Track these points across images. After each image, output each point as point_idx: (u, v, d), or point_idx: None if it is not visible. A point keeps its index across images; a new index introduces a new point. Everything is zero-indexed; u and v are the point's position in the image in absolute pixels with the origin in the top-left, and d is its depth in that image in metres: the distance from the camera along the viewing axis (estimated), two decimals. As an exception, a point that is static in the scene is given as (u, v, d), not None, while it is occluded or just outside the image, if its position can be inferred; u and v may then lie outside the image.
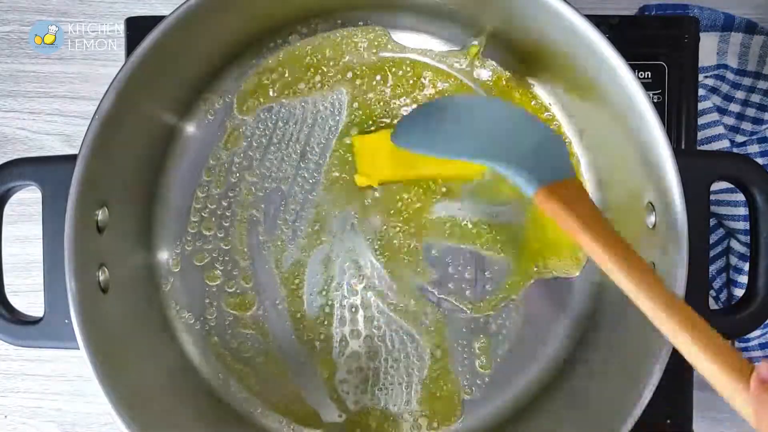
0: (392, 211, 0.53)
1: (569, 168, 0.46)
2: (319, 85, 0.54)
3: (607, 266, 0.39)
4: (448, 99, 0.52)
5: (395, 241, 0.53)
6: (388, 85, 0.53)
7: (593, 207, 0.43)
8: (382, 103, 0.53)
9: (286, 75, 0.53)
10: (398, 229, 0.53)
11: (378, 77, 0.54)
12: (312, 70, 0.54)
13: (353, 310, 0.53)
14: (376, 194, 0.53)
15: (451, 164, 0.51)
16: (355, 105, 0.53)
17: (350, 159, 0.53)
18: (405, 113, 0.53)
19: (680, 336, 0.35)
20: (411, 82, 0.53)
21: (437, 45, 0.54)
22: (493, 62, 0.54)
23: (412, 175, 0.53)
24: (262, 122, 0.53)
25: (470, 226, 0.53)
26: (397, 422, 0.52)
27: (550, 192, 0.43)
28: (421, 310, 0.53)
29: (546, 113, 0.53)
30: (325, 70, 0.54)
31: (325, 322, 0.53)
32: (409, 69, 0.54)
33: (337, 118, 0.53)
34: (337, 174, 0.53)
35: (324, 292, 0.53)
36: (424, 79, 0.54)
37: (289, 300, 0.53)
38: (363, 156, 0.52)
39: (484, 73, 0.54)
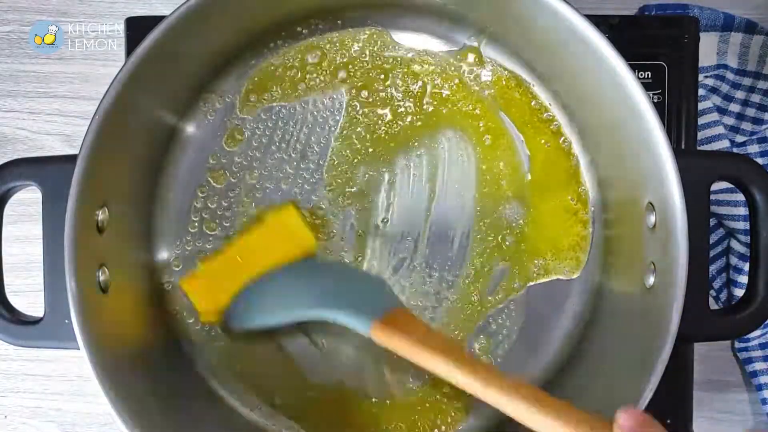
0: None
1: (396, 300, 0.48)
2: (320, 85, 0.53)
3: (452, 373, 0.41)
4: (265, 276, 0.51)
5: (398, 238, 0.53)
6: (388, 84, 0.53)
7: (426, 326, 0.46)
8: (381, 103, 0.53)
9: (287, 75, 0.53)
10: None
11: (379, 77, 0.53)
12: (312, 70, 0.54)
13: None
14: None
15: (278, 249, 0.50)
16: (356, 104, 0.53)
17: (352, 159, 0.53)
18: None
19: (529, 411, 0.37)
20: (410, 81, 0.53)
21: (437, 45, 0.54)
22: (493, 62, 0.54)
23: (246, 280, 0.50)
24: (262, 122, 0.53)
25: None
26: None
27: (384, 323, 0.44)
28: (421, 313, 0.53)
29: (546, 113, 0.53)
30: (326, 70, 0.54)
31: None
32: (408, 69, 0.54)
33: (337, 118, 0.53)
34: (337, 174, 0.53)
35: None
36: (424, 78, 0.53)
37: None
38: (196, 295, 0.51)
39: (484, 74, 0.54)
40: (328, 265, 0.52)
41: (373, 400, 0.52)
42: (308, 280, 0.49)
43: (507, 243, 0.53)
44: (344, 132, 0.53)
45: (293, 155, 0.53)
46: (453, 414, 0.52)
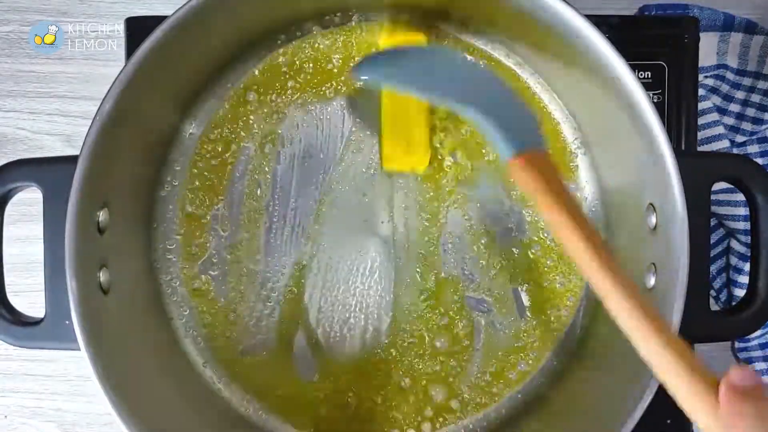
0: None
1: (544, 142, 0.45)
2: (324, 84, 0.53)
3: (574, 245, 0.39)
4: (429, 48, 0.51)
5: (406, 243, 0.53)
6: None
7: (563, 185, 0.42)
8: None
9: (290, 74, 0.53)
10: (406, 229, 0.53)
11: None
12: (314, 69, 0.53)
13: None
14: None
15: None
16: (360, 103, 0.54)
17: (355, 158, 0.53)
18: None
19: (641, 327, 0.35)
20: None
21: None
22: (493, 62, 0.54)
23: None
24: (264, 122, 0.53)
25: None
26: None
27: (528, 160, 0.42)
28: (423, 315, 0.53)
29: (545, 112, 0.54)
30: (329, 70, 0.54)
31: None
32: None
33: (343, 117, 0.53)
34: (343, 174, 0.53)
35: (327, 295, 0.53)
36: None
37: (292, 300, 0.53)
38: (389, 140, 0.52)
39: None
40: (490, 75, 0.49)
41: (377, 399, 0.52)
42: (467, 79, 0.46)
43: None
44: (348, 133, 0.53)
45: (297, 154, 0.53)
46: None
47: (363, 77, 0.47)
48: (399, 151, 0.52)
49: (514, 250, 0.53)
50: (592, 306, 0.53)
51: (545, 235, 0.53)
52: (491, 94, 0.45)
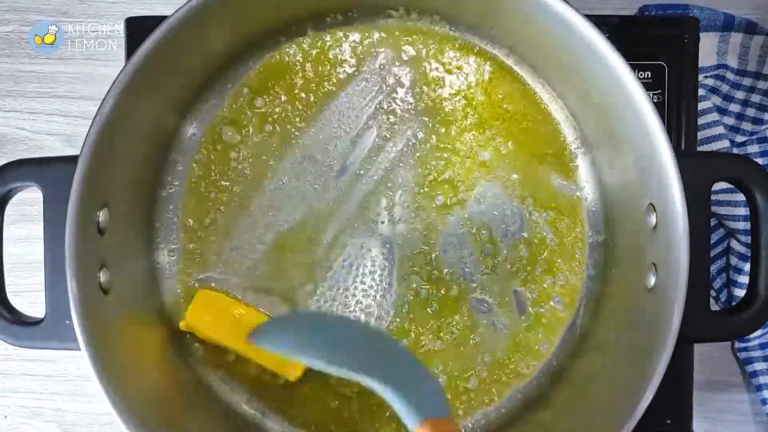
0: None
1: (447, 408, 0.45)
2: (324, 85, 0.53)
3: None
4: (327, 316, 0.52)
5: (406, 243, 0.53)
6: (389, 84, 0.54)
7: None
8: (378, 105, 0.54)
9: (290, 74, 0.53)
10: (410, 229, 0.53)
11: (381, 76, 0.54)
12: (315, 69, 0.53)
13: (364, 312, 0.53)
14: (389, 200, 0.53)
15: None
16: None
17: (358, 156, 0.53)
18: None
19: None
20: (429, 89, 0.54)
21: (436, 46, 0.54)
22: (492, 62, 0.54)
23: (231, 345, 0.51)
24: (265, 122, 0.53)
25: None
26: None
27: (432, 428, 0.42)
28: (423, 315, 0.53)
29: (545, 112, 0.54)
30: (330, 70, 0.54)
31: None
32: (426, 78, 0.54)
33: (343, 118, 0.53)
34: (343, 174, 0.53)
35: (328, 295, 0.53)
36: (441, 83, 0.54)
37: (292, 300, 0.53)
38: (198, 306, 0.51)
39: (484, 74, 0.54)
40: (389, 341, 0.50)
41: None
42: (363, 341, 0.47)
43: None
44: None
45: (297, 154, 0.53)
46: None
47: (260, 345, 0.46)
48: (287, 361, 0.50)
49: (514, 249, 0.53)
50: (592, 306, 0.53)
51: (545, 234, 0.53)
52: (392, 362, 0.46)
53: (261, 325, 0.48)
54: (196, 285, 0.53)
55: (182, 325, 0.51)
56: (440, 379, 0.52)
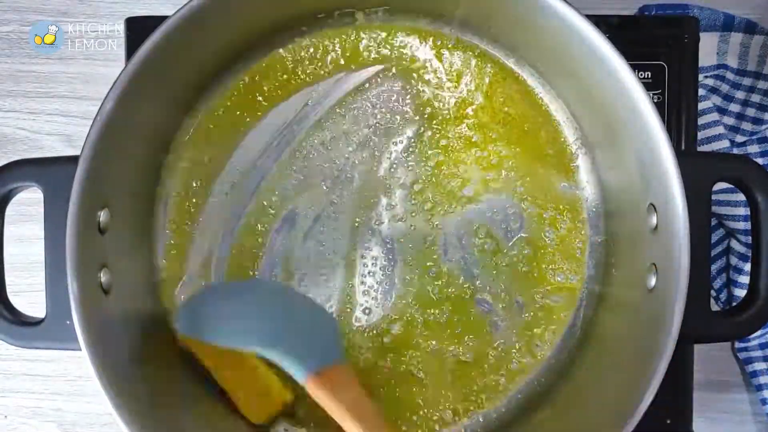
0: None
1: (339, 352, 0.47)
2: (324, 86, 0.53)
3: None
4: (215, 285, 0.52)
5: (407, 243, 0.53)
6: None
7: (359, 391, 0.45)
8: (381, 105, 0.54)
9: (291, 74, 0.53)
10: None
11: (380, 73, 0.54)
12: (315, 70, 0.53)
13: (365, 311, 0.53)
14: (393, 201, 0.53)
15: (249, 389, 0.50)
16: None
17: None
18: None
19: None
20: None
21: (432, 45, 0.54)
22: (492, 63, 0.54)
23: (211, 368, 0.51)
24: (265, 122, 0.53)
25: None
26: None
27: (320, 379, 0.43)
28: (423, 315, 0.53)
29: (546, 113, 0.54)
30: (328, 69, 0.54)
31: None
32: (420, 75, 0.54)
33: (343, 118, 0.54)
34: (343, 174, 0.53)
35: (332, 301, 0.53)
36: (425, 84, 0.54)
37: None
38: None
39: (484, 75, 0.54)
40: (278, 290, 0.51)
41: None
42: (254, 307, 0.48)
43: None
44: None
45: (297, 154, 0.53)
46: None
47: (182, 333, 0.47)
48: (256, 402, 0.51)
49: (514, 249, 0.53)
50: (593, 306, 0.53)
51: (546, 234, 0.53)
52: (282, 315, 0.47)
53: (177, 313, 0.49)
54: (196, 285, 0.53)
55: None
56: (440, 379, 0.52)
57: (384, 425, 0.43)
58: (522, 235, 0.53)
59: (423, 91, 0.53)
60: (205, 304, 0.48)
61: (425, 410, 0.52)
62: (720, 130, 0.59)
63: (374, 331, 0.53)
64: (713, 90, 0.60)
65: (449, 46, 0.54)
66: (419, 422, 0.52)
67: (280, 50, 0.53)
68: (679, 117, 0.56)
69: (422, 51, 0.54)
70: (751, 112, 0.60)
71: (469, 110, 0.53)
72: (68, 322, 0.42)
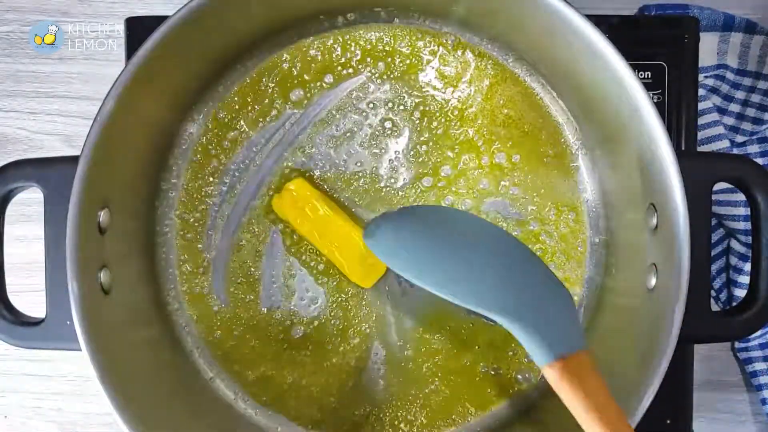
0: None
1: (582, 334, 0.41)
2: (323, 86, 0.53)
3: None
4: (446, 210, 0.46)
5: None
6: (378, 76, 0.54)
7: (603, 384, 0.39)
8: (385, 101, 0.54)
9: (290, 75, 0.53)
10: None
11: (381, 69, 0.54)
12: (315, 71, 0.53)
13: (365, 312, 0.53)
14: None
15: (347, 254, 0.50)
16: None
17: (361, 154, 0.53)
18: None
19: None
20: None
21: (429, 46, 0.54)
22: (492, 63, 0.54)
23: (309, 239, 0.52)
24: (265, 123, 0.53)
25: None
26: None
27: (567, 367, 0.38)
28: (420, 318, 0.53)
29: (546, 114, 0.54)
30: (328, 68, 0.54)
31: (339, 329, 0.53)
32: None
33: (343, 119, 0.53)
34: (343, 175, 0.53)
35: (332, 302, 0.53)
36: (428, 86, 0.54)
37: (291, 300, 0.53)
38: (287, 194, 0.51)
39: (484, 76, 0.54)
40: (516, 246, 0.44)
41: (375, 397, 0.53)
42: (492, 260, 0.41)
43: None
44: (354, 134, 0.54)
45: (298, 154, 0.53)
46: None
47: (370, 248, 0.44)
48: (360, 268, 0.51)
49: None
50: (593, 306, 0.53)
51: (545, 234, 0.53)
52: (522, 282, 0.41)
53: (372, 221, 0.46)
54: (197, 285, 0.53)
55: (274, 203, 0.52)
56: (436, 385, 0.53)
57: (626, 425, 0.38)
58: (522, 235, 0.53)
59: (423, 91, 0.53)
60: (413, 231, 0.42)
61: (420, 415, 0.52)
62: (720, 130, 0.59)
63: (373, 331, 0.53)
64: (713, 90, 0.60)
65: (449, 46, 0.54)
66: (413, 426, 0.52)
67: (281, 51, 0.53)
68: (679, 117, 0.56)
69: (422, 51, 0.54)
70: (751, 112, 0.60)
71: (469, 111, 0.53)
72: (68, 322, 0.42)
